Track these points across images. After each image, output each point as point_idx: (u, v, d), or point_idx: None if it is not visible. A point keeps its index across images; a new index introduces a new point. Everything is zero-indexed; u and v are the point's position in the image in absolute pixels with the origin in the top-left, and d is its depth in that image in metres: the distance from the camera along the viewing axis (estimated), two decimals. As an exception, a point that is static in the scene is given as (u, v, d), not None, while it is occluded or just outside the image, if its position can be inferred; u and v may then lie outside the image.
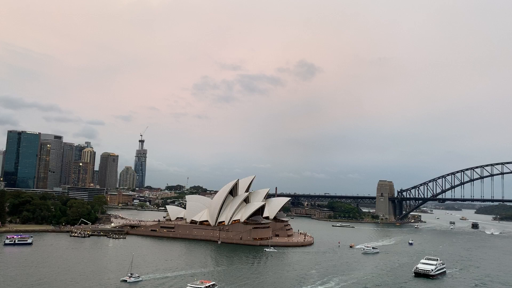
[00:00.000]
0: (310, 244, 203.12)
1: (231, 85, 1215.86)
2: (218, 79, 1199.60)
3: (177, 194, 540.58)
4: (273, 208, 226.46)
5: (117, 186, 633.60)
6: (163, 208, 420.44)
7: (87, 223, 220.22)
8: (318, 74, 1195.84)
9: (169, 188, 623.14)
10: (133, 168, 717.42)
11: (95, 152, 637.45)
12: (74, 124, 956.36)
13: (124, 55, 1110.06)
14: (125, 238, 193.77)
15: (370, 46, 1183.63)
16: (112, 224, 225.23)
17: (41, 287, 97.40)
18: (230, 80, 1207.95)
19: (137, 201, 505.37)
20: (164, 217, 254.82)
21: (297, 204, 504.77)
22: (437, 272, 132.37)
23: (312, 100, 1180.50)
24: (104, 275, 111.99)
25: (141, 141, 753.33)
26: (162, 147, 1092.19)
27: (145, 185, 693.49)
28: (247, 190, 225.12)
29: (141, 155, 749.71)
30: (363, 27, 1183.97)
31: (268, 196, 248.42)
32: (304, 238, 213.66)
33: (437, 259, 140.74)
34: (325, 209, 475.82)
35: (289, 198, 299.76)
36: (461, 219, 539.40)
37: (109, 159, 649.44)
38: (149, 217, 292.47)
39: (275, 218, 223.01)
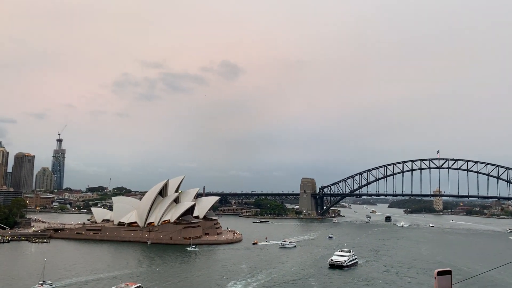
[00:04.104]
0: (239, 241, 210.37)
1: (154, 83, 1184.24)
2: (140, 76, 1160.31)
3: (100, 196, 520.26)
4: (202, 207, 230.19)
5: (34, 188, 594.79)
6: (85, 210, 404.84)
7: (5, 228, 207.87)
8: (241, 75, 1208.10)
9: (91, 189, 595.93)
10: (50, 169, 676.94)
11: (8, 152, 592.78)
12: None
13: (35, 49, 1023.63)
14: (48, 242, 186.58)
15: (288, 49, 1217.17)
16: (34, 228, 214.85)
17: None
18: (153, 78, 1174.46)
19: (57, 203, 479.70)
20: (88, 220, 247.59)
21: (225, 202, 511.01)
22: (350, 263, 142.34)
23: (237, 100, 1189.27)
24: (16, 284, 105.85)
25: (59, 141, 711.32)
26: (80, 146, 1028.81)
27: (64, 187, 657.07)
28: (176, 191, 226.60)
29: (59, 155, 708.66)
30: (283, 30, 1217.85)
31: (198, 195, 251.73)
32: (233, 236, 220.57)
33: (350, 251, 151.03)
34: (252, 206, 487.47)
35: (218, 197, 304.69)
36: (371, 212, 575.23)
37: (24, 160, 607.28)
38: (71, 220, 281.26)
39: (205, 217, 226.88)
